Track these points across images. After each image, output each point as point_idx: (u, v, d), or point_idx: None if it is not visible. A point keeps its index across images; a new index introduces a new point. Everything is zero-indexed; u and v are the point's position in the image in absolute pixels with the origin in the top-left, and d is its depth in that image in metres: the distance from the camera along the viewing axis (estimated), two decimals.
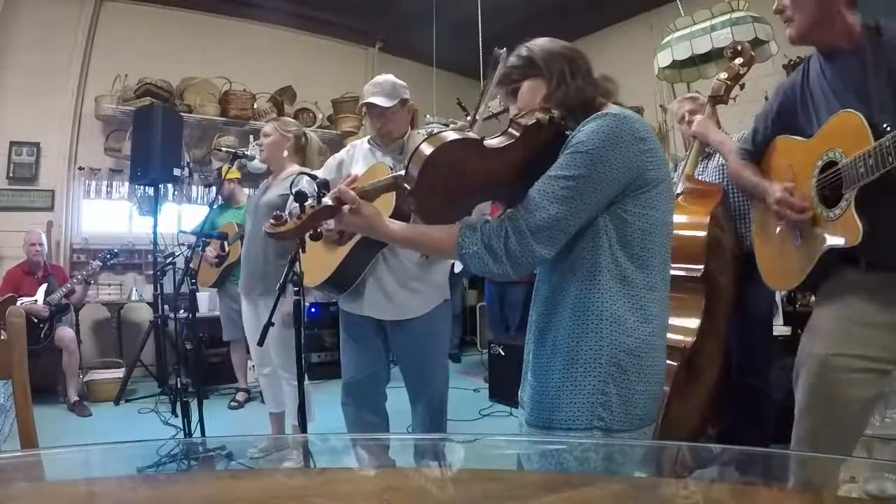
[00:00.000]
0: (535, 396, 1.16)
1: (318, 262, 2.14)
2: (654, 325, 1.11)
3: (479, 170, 1.08)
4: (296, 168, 2.73)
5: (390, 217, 1.95)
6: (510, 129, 1.11)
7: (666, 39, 3.36)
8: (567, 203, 1.04)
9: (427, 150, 1.03)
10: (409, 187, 1.05)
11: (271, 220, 1.10)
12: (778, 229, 1.57)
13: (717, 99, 2.23)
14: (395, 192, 1.96)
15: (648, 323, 1.09)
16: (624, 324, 1.07)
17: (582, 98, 1.15)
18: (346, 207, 1.11)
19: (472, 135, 1.08)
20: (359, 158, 2.23)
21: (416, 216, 1.10)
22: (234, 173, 4.07)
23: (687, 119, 2.49)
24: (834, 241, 1.36)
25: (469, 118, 1.81)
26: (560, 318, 1.12)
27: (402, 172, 1.08)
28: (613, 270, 1.08)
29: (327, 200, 1.12)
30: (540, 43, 1.20)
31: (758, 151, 1.65)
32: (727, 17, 3.06)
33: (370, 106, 2.10)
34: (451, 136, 1.05)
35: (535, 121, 1.10)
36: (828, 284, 1.48)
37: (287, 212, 2.31)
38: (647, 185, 1.08)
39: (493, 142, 1.09)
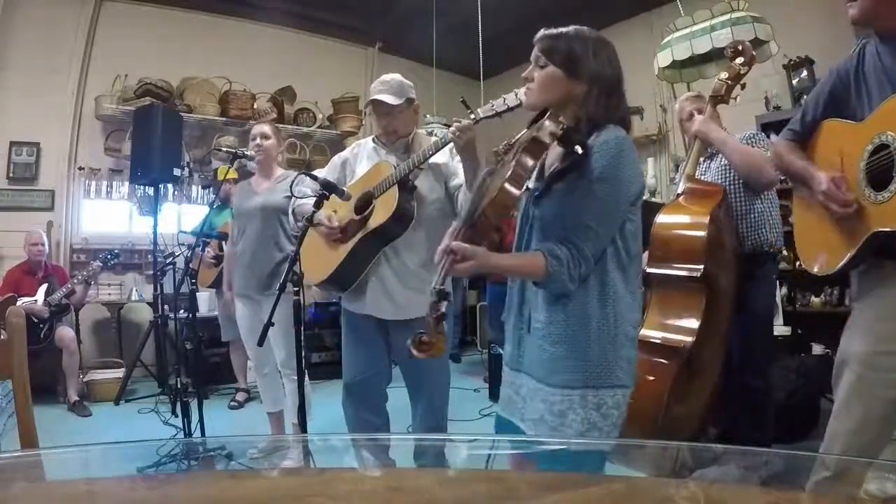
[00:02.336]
0: (564, 361, 1.26)
1: (320, 259, 2.14)
2: (638, 305, 1.35)
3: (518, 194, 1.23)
4: (282, 171, 2.79)
5: (391, 217, 1.97)
6: (525, 157, 1.19)
7: (666, 39, 3.36)
8: (608, 224, 1.25)
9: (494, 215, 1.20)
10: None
11: (420, 350, 1.17)
12: (823, 211, 1.52)
13: (718, 99, 2.23)
14: (397, 193, 1.98)
15: (635, 302, 1.32)
16: (624, 300, 1.28)
17: (597, 119, 1.26)
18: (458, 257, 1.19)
19: (514, 184, 1.18)
20: (363, 157, 2.23)
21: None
22: (231, 174, 4.06)
23: (687, 124, 2.48)
24: (881, 223, 1.33)
25: (472, 116, 1.82)
26: (578, 295, 1.27)
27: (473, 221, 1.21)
28: (615, 260, 1.28)
29: (445, 289, 1.19)
30: (601, 56, 1.28)
31: (805, 133, 1.62)
32: (727, 17, 3.06)
33: (377, 104, 2.09)
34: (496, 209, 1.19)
35: (548, 141, 1.21)
36: (866, 280, 1.46)
37: (290, 209, 2.32)
38: (640, 193, 1.30)
39: (525, 175, 1.20)
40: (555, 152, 1.33)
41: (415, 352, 1.17)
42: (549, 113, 1.24)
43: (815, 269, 1.59)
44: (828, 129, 1.56)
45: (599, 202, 1.22)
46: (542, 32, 1.32)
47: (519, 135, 1.33)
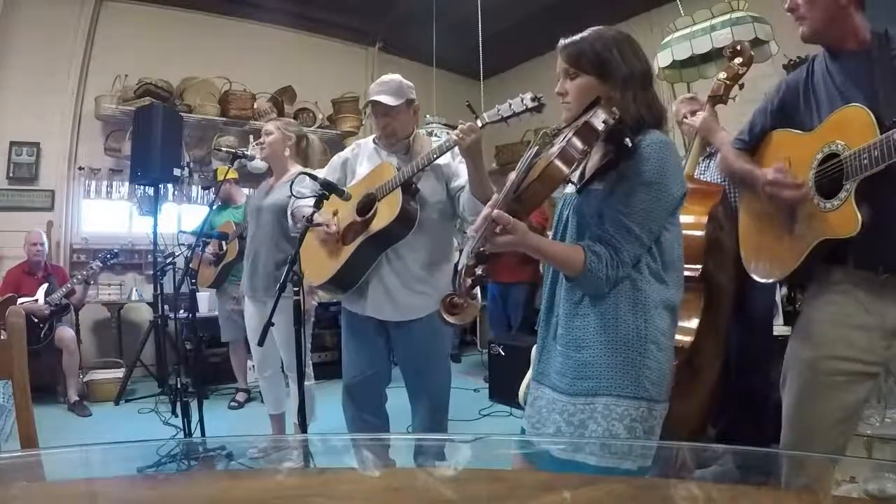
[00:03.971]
0: (587, 368, 1.22)
1: (323, 260, 2.14)
2: (674, 313, 1.27)
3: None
4: (298, 168, 2.74)
5: (395, 220, 1.97)
6: (576, 140, 1.14)
7: (666, 39, 3.35)
8: (649, 229, 1.21)
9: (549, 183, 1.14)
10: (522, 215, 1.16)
11: (450, 313, 1.12)
12: (769, 218, 1.54)
13: (717, 99, 2.22)
14: (401, 196, 1.97)
15: (668, 312, 1.25)
16: (657, 309, 1.22)
17: (639, 119, 1.24)
18: (498, 229, 1.12)
19: (564, 161, 1.13)
20: (364, 158, 2.23)
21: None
22: (231, 174, 4.06)
23: (689, 120, 2.49)
24: (830, 231, 1.34)
25: (479, 121, 1.81)
26: (609, 300, 1.23)
27: (517, 188, 1.15)
28: (650, 267, 1.23)
29: (479, 256, 1.13)
30: (628, 55, 1.26)
31: (753, 143, 1.64)
32: (727, 17, 3.05)
33: (376, 104, 2.09)
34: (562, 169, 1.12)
35: (601, 128, 1.15)
36: (814, 286, 1.47)
37: (289, 212, 2.31)
38: (681, 200, 1.25)
39: (575, 156, 1.15)
40: (595, 155, 1.30)
41: (445, 315, 1.11)
42: (601, 102, 1.19)
43: (763, 278, 1.59)
44: (777, 140, 1.57)
45: (643, 206, 1.19)
46: (562, 42, 1.30)
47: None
